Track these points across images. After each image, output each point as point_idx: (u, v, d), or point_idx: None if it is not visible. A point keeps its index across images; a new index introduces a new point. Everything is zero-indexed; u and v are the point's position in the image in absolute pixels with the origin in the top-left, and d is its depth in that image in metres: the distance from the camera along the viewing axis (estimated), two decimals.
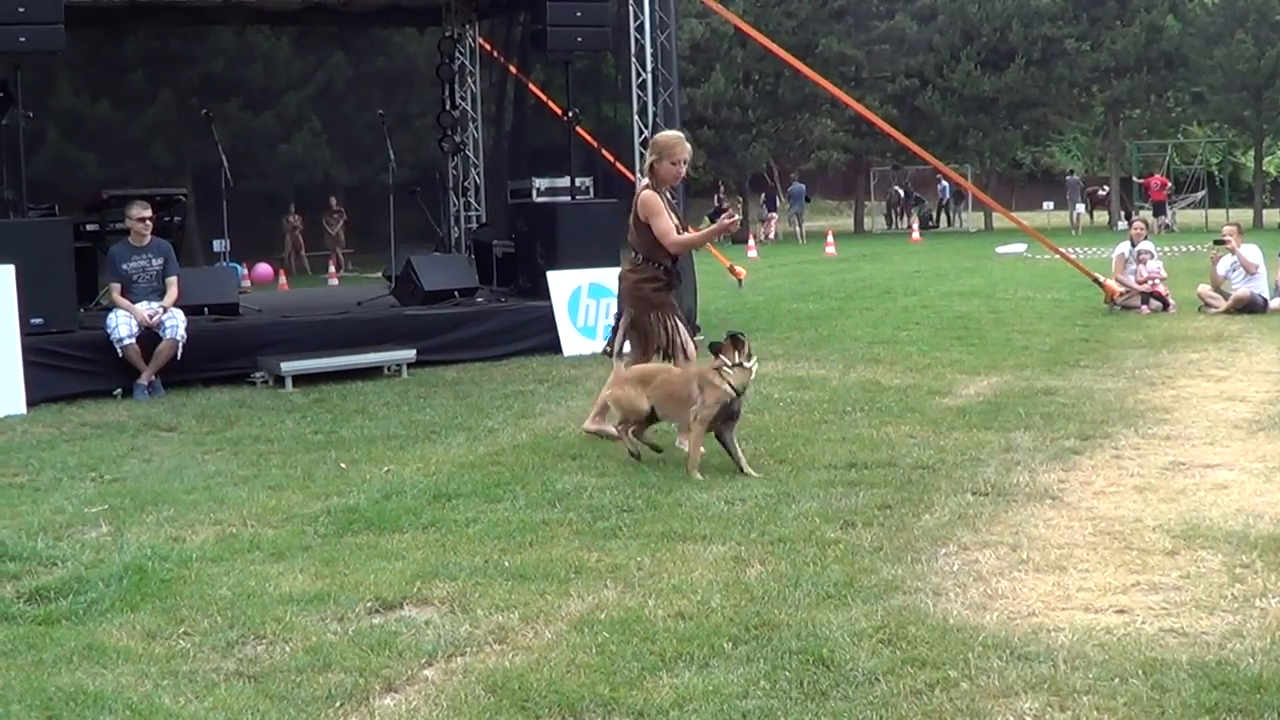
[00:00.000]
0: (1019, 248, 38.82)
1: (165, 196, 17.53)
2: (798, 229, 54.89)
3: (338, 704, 5.43)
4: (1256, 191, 61.47)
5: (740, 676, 5.53)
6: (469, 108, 23.40)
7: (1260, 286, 19.78)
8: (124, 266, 14.77)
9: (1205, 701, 5.17)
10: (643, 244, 10.68)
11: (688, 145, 10.76)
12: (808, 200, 57.95)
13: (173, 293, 14.89)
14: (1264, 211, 58.53)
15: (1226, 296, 19.79)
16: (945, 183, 64.56)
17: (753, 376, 9.74)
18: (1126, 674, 5.45)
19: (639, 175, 17.71)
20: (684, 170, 10.73)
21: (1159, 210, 54.21)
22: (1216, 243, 20.81)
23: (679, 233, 10.61)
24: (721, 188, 58.17)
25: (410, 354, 15.56)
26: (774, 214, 57.59)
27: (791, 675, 5.52)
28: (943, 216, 67.53)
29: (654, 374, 10.11)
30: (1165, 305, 20.17)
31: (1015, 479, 9.01)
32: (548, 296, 17.16)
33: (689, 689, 5.41)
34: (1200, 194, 60.41)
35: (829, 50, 56.94)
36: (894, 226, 64.65)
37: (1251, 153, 64.04)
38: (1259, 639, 5.83)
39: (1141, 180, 58.02)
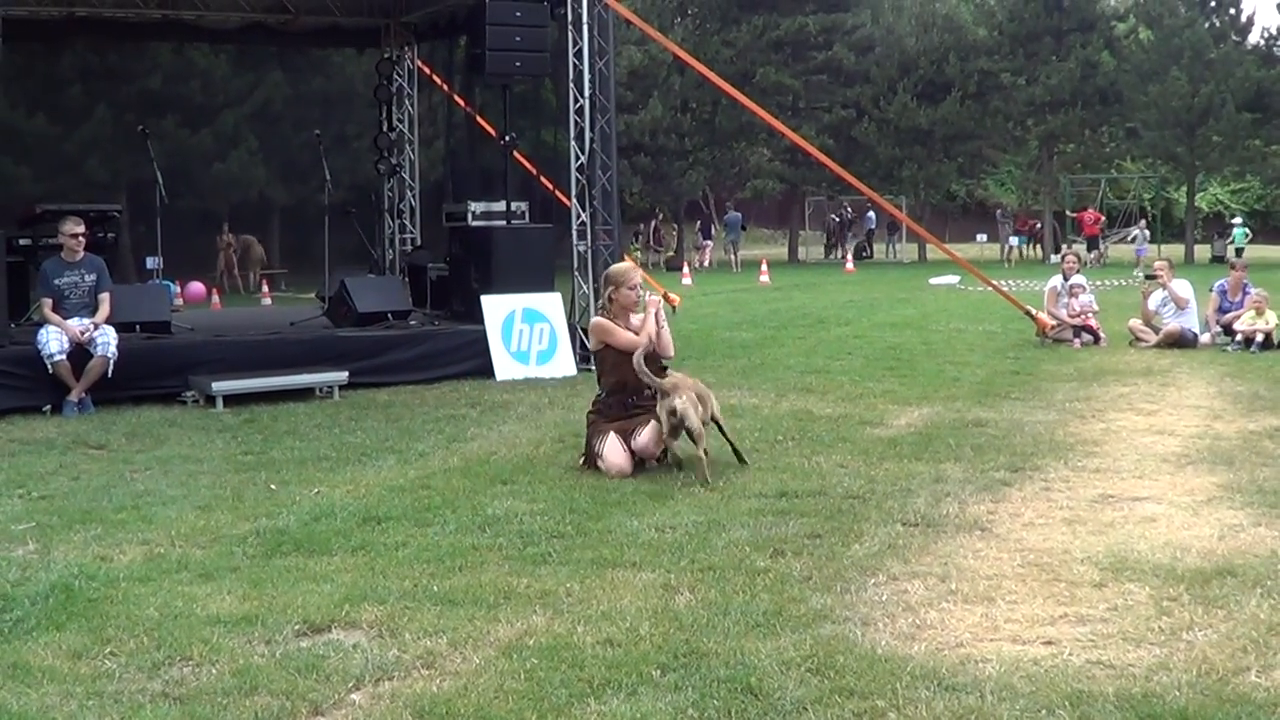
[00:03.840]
0: (952, 279, 39.00)
1: (99, 212, 17.40)
2: (733, 257, 54.90)
3: None
4: (1188, 227, 61.93)
5: (668, 704, 5.53)
6: (406, 130, 23.39)
7: (1190, 321, 19.93)
8: (56, 282, 14.66)
9: None
10: (600, 371, 11.30)
11: (638, 270, 11.50)
12: (743, 229, 58.00)
13: (104, 309, 14.79)
14: (1195, 247, 58.97)
15: (1157, 331, 19.94)
16: (872, 213, 64.78)
17: None
18: (1054, 705, 5.47)
19: (573, 201, 17.77)
20: (638, 295, 11.23)
21: (1092, 244, 54.60)
22: (1148, 277, 20.98)
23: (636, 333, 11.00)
24: (659, 215, 58.29)
25: (342, 376, 15.49)
26: (709, 242, 57.59)
27: (720, 704, 5.52)
28: (870, 247, 67.54)
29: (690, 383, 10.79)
30: (1096, 339, 20.30)
31: (945, 510, 9.05)
32: (481, 320, 17.11)
33: (617, 716, 5.41)
34: (1133, 229, 60.80)
35: (766, 80, 57.12)
36: (833, 255, 64.61)
37: (1184, 189, 64.51)
38: (1185, 672, 5.86)
39: (1075, 214, 58.39)
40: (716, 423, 10.86)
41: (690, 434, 10.26)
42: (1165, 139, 56.36)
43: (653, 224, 56.87)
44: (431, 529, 8.67)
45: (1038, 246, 62.33)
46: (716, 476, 10.21)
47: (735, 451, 10.85)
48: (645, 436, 10.56)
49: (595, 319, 11.29)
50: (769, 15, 58.41)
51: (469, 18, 18.94)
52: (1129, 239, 56.78)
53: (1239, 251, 51.49)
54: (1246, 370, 16.87)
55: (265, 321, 20.02)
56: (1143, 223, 58.26)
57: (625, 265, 11.71)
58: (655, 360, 10.89)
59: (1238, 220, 59.85)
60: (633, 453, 10.55)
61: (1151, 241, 58.70)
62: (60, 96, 35.61)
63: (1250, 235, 57.95)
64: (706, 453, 10.22)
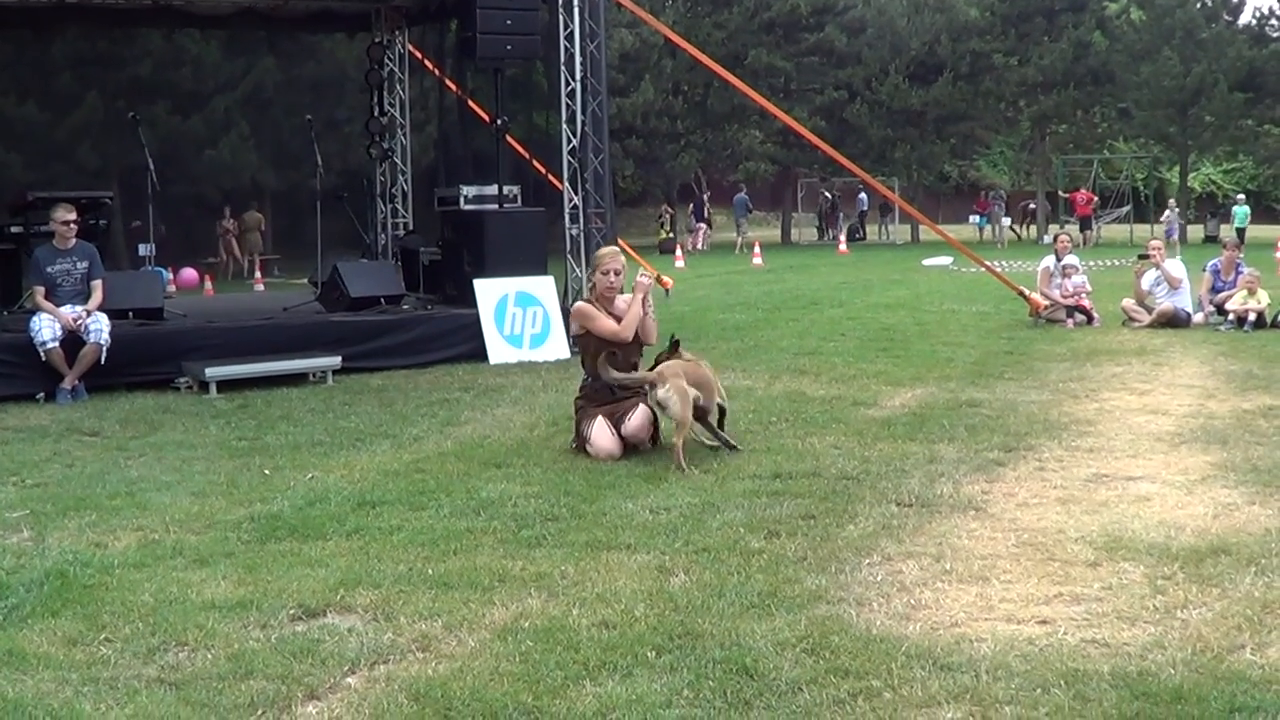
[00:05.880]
0: (945, 260, 39.02)
1: (91, 199, 17.36)
2: (737, 238, 54.71)
3: (260, 712, 5.40)
4: (1181, 207, 61.94)
5: (664, 686, 5.53)
6: (398, 114, 23.35)
7: (1183, 301, 19.93)
8: (48, 269, 14.62)
9: (1126, 712, 5.21)
10: (583, 357, 11.11)
11: (620, 256, 11.20)
12: (750, 210, 57.94)
13: (97, 296, 14.75)
14: (1188, 227, 58.96)
15: (1150, 310, 19.92)
16: (864, 194, 64.71)
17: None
18: (1049, 684, 5.48)
19: (565, 184, 17.76)
20: (614, 280, 10.95)
21: (1085, 225, 54.59)
22: (1141, 257, 20.98)
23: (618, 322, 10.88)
24: (709, 192, 58.54)
25: (336, 360, 15.47)
26: (702, 224, 57.53)
27: (715, 684, 5.52)
28: (863, 229, 67.45)
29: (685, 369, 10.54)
30: (1090, 319, 20.28)
31: (939, 490, 9.05)
32: (474, 304, 17.08)
33: (612, 698, 5.41)
34: (1125, 209, 60.80)
35: (758, 62, 57.07)
36: (826, 237, 64.42)
37: (1177, 169, 64.53)
38: (1180, 650, 5.87)
39: (1067, 195, 58.39)
40: (721, 409, 10.81)
41: (674, 421, 10.22)
42: (1157, 119, 56.47)
43: (696, 204, 57.30)
44: (426, 513, 8.66)
45: (1018, 230, 62.35)
46: (709, 459, 10.24)
47: (724, 442, 10.69)
48: (635, 422, 10.50)
49: (578, 303, 11.16)
50: None
51: (460, 1, 18.88)
52: (1163, 222, 56.50)
53: (1240, 232, 51.42)
54: (1239, 349, 16.87)
55: (258, 307, 20.01)
56: (1172, 202, 57.94)
57: (607, 249, 11.56)
58: (635, 348, 10.86)
59: (1240, 198, 59.78)
60: (622, 436, 10.53)
61: (1143, 221, 58.76)
62: (51, 83, 35.55)
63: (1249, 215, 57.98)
64: (703, 439, 10.25)
